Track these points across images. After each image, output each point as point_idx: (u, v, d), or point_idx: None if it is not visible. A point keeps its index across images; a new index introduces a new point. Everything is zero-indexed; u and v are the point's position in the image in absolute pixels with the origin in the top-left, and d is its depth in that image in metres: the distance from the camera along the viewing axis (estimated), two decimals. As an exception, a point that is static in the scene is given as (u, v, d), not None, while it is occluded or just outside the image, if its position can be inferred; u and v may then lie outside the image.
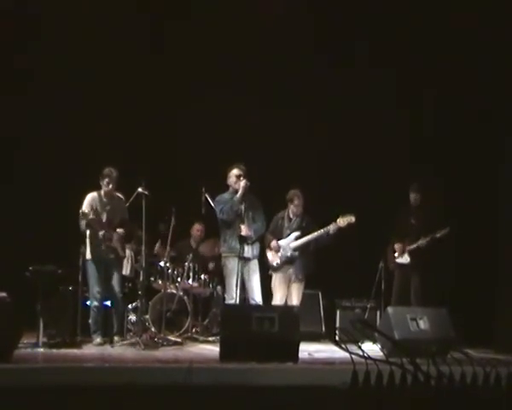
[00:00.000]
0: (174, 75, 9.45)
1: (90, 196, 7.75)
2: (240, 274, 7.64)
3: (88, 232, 7.68)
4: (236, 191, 7.83)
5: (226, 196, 7.96)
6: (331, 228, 7.95)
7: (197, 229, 9.31)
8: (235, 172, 7.89)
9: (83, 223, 7.62)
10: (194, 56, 9.45)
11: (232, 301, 7.58)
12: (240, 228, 7.74)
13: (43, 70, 9.11)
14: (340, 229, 7.95)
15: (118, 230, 7.75)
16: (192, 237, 9.36)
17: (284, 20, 9.31)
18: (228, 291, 7.81)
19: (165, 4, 9.25)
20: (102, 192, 7.78)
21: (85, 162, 8.65)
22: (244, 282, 7.75)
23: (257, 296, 7.73)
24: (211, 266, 8.95)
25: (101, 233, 7.58)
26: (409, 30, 9.15)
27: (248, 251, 7.78)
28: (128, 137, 9.30)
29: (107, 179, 7.69)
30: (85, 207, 7.58)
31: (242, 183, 7.78)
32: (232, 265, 7.75)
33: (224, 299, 8.11)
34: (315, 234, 8.03)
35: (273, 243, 8.16)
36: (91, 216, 7.50)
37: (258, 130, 9.36)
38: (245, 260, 7.73)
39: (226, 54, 9.40)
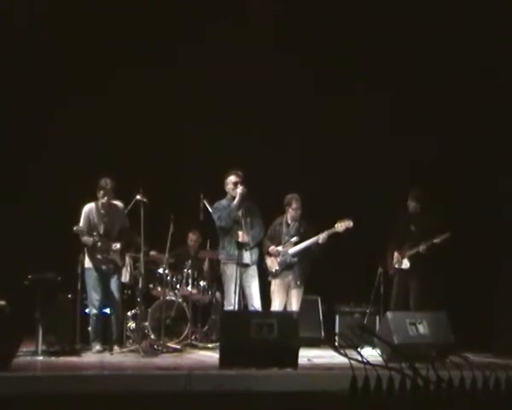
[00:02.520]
0: (174, 80, 9.47)
1: (88, 208, 7.74)
2: (239, 281, 7.64)
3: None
4: (234, 198, 7.83)
5: (224, 202, 7.95)
6: (320, 237, 7.97)
7: (191, 239, 9.29)
8: (232, 178, 7.88)
9: (84, 238, 7.64)
10: (193, 61, 9.47)
11: (231, 308, 7.57)
12: (237, 234, 7.74)
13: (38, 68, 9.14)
14: (336, 234, 7.96)
15: (114, 245, 7.74)
16: (188, 246, 9.36)
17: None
18: (227, 297, 7.80)
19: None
20: (100, 203, 7.76)
21: (85, 170, 8.65)
22: (243, 288, 7.75)
23: (256, 303, 7.72)
24: (205, 267, 8.93)
25: (91, 240, 7.58)
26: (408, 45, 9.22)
27: (247, 257, 7.78)
28: (127, 144, 9.31)
29: (102, 192, 7.65)
30: (81, 224, 7.60)
31: (239, 189, 7.77)
32: (231, 271, 7.75)
33: (223, 305, 8.10)
34: (307, 242, 8.03)
35: (271, 249, 8.15)
36: (86, 233, 7.56)
37: (257, 134, 9.37)
38: (244, 267, 7.73)
39: (225, 60, 9.42)
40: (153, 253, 8.77)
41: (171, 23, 9.34)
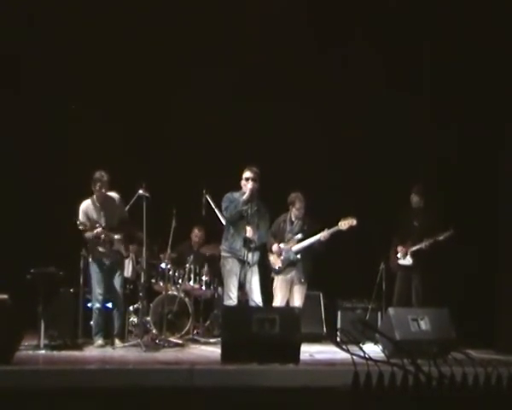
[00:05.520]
0: (175, 76, 9.46)
1: (85, 205, 7.75)
2: (239, 275, 7.63)
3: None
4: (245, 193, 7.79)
5: (236, 194, 7.85)
6: (322, 236, 7.96)
7: (196, 235, 9.29)
8: (245, 174, 7.78)
9: (87, 234, 7.65)
10: (195, 58, 9.46)
11: (230, 302, 7.57)
12: (245, 229, 7.69)
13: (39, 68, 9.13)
14: (340, 232, 7.96)
15: (116, 236, 7.74)
16: (192, 241, 9.36)
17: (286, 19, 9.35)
18: (225, 292, 7.78)
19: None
20: (95, 197, 7.76)
21: (86, 164, 8.65)
22: (243, 283, 7.73)
23: (256, 297, 7.69)
24: (209, 268, 8.94)
25: (95, 231, 7.58)
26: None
27: (249, 257, 7.70)
28: (128, 138, 9.32)
29: (98, 184, 7.66)
30: (81, 218, 7.62)
31: (249, 185, 7.72)
32: (230, 265, 7.72)
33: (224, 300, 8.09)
34: (311, 240, 8.03)
35: (274, 248, 8.14)
36: (88, 226, 7.57)
37: (260, 131, 9.37)
38: (244, 264, 7.70)
39: (226, 55, 9.41)
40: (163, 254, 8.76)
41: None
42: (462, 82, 8.88)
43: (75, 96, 9.26)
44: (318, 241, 8.01)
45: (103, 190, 7.69)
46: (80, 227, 7.56)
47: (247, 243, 7.63)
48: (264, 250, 8.11)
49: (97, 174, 7.67)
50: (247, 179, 7.75)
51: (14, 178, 9.10)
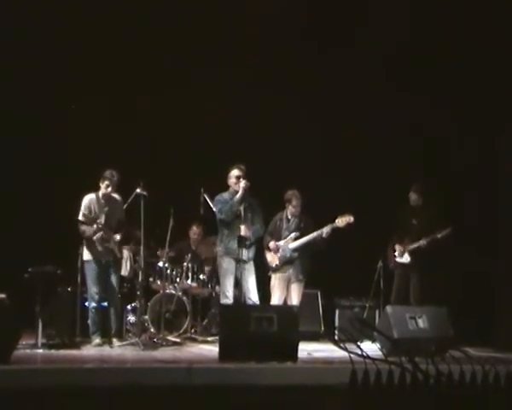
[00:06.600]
0: (173, 75, 9.46)
1: (88, 199, 7.73)
2: (235, 274, 7.64)
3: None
4: (236, 192, 7.81)
5: (225, 196, 7.94)
6: (324, 231, 7.96)
7: (194, 232, 9.30)
8: (235, 172, 7.87)
9: (84, 227, 7.63)
10: (193, 56, 9.46)
11: (227, 301, 7.58)
12: (239, 228, 7.73)
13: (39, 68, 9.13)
14: (337, 229, 7.96)
15: (115, 235, 7.74)
16: (190, 239, 9.35)
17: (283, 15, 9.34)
18: (222, 291, 7.81)
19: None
20: (100, 194, 7.75)
21: (85, 163, 8.65)
22: (240, 282, 7.75)
23: (253, 296, 7.72)
24: (206, 269, 8.92)
25: (93, 229, 7.56)
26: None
27: (244, 254, 7.73)
28: (127, 137, 9.31)
29: (107, 182, 7.66)
30: (84, 210, 7.59)
31: (242, 183, 7.76)
32: (227, 264, 7.75)
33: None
34: (310, 236, 8.03)
35: (271, 245, 8.15)
36: (88, 222, 7.56)
37: (257, 130, 9.37)
38: (241, 262, 7.71)
39: (225, 53, 9.40)
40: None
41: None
42: (462, 82, 8.88)
43: (75, 96, 9.25)
44: (320, 237, 7.99)
45: (109, 189, 7.69)
46: (82, 218, 7.53)
47: (242, 241, 7.67)
48: (261, 247, 8.13)
49: (108, 173, 7.66)
50: (237, 178, 7.80)
51: (13, 178, 9.08)
